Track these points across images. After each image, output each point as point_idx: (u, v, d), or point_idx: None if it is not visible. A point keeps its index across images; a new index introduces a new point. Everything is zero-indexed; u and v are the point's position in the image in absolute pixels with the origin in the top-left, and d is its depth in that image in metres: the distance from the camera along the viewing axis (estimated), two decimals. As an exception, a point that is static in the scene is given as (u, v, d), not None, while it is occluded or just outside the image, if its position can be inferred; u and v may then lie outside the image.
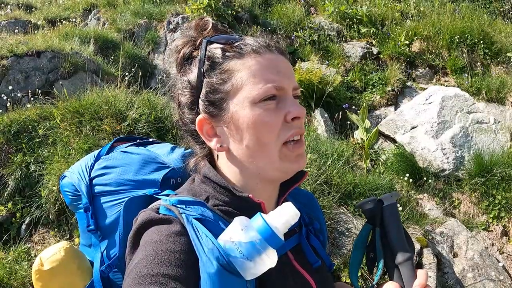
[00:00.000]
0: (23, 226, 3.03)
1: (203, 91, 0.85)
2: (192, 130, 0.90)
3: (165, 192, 0.90)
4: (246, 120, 0.81)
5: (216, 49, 0.85)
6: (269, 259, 0.70)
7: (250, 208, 0.81)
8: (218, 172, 0.89)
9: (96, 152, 1.14)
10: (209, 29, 0.89)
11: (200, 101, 0.86)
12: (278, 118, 0.81)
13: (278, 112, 0.81)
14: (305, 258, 0.92)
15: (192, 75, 0.87)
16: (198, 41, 0.88)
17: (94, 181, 1.05)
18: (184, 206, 0.79)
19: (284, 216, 0.71)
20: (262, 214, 0.72)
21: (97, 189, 1.04)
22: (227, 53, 0.84)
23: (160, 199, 0.85)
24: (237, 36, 0.87)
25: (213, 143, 0.86)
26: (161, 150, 1.14)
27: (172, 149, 1.15)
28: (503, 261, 3.70)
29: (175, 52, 0.91)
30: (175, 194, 0.87)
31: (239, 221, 0.71)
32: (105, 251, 1.01)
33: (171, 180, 1.04)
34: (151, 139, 1.26)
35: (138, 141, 1.22)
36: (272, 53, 0.85)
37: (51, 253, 0.99)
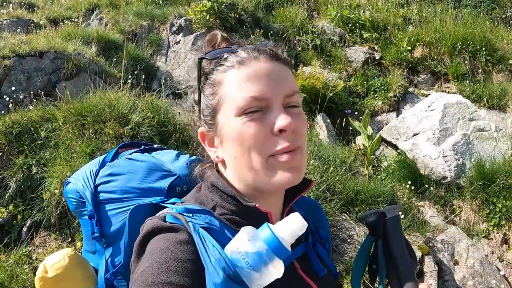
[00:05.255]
0: (24, 229, 3.01)
1: (202, 105, 0.88)
2: None
3: (171, 200, 0.89)
4: (231, 133, 0.80)
5: (208, 64, 0.87)
6: (275, 270, 0.69)
7: (257, 217, 0.81)
8: (225, 181, 0.89)
9: (101, 158, 1.14)
10: (218, 41, 0.90)
11: (201, 115, 0.89)
12: (262, 129, 0.78)
13: (263, 123, 0.78)
14: (311, 267, 0.92)
15: (196, 92, 0.90)
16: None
17: (99, 188, 1.05)
18: (191, 215, 0.78)
19: (292, 227, 0.71)
20: (269, 224, 0.72)
21: (102, 196, 1.04)
22: (217, 67, 0.85)
23: (166, 207, 0.85)
24: (232, 47, 0.86)
25: (212, 154, 0.88)
26: (166, 157, 1.14)
27: (177, 156, 1.15)
28: (503, 269, 3.69)
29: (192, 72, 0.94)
30: (182, 202, 0.87)
31: (246, 231, 0.71)
32: (109, 259, 1.01)
33: (177, 188, 1.04)
34: (155, 146, 1.25)
35: (142, 147, 1.22)
36: (258, 61, 0.82)
37: (55, 260, 0.99)
